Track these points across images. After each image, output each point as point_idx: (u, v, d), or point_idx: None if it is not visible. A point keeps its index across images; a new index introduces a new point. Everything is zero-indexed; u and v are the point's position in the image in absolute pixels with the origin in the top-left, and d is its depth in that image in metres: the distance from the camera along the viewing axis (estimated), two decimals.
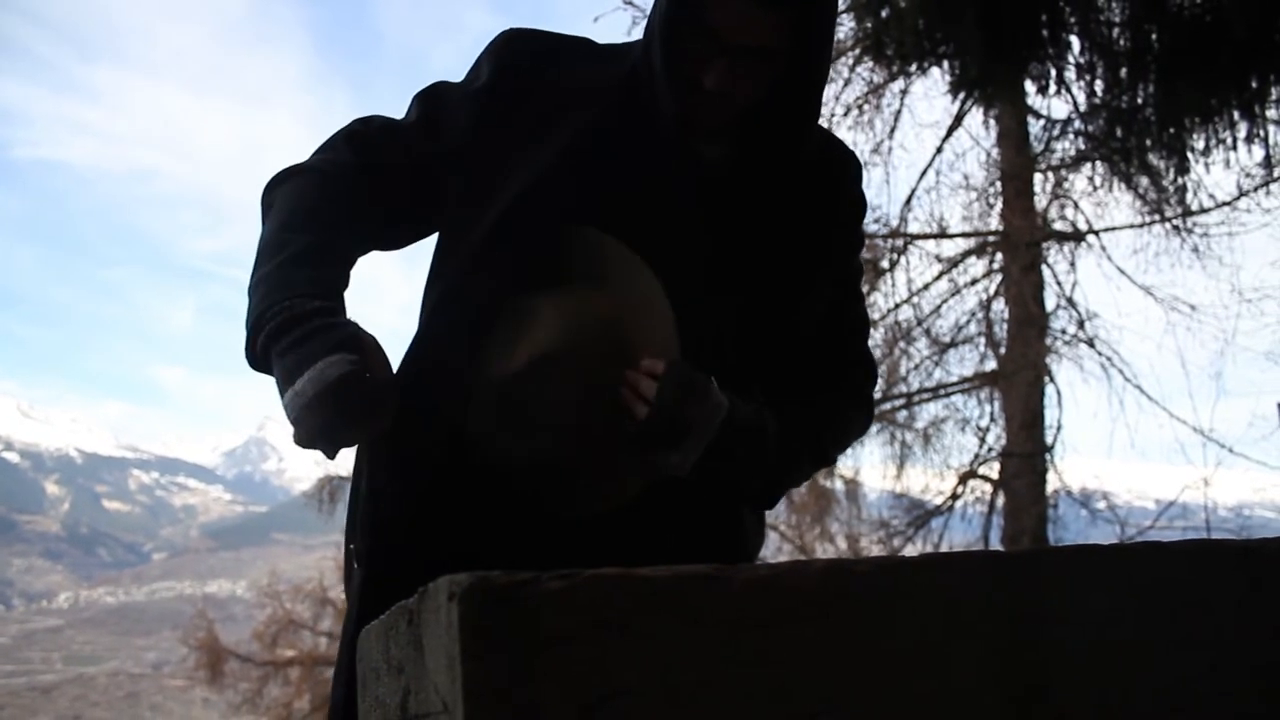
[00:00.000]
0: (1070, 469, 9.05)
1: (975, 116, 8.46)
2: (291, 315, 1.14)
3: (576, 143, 1.31)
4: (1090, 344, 9.02)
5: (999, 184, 8.96)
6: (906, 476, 9.35)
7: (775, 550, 10.40)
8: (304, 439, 1.12)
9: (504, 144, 1.32)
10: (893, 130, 8.58)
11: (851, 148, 1.55)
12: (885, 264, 8.73)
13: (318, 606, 15.68)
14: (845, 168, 1.48)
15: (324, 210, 1.27)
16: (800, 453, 1.38)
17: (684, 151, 1.32)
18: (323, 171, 1.32)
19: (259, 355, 1.16)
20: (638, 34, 1.40)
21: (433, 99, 1.38)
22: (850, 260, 1.50)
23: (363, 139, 1.35)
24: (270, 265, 1.20)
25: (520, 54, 1.36)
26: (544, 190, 1.29)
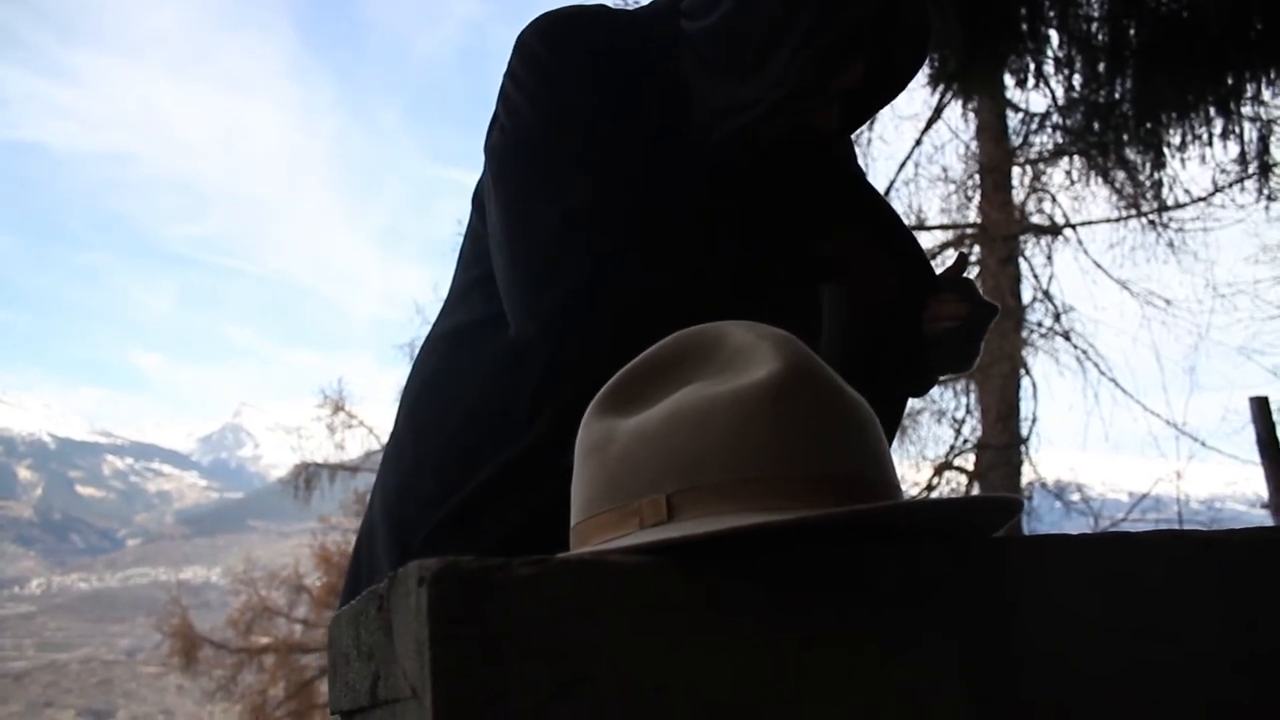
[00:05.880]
0: (1045, 461, 9.15)
1: (954, 109, 8.50)
2: None
3: (629, 157, 1.23)
4: (1066, 337, 9.10)
5: (977, 177, 9.01)
6: None
7: None
8: None
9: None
10: (872, 122, 8.59)
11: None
12: None
13: (293, 594, 15.64)
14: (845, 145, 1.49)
15: None
16: None
17: (724, 157, 1.26)
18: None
19: None
20: None
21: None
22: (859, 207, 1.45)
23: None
24: None
25: (577, 54, 1.24)
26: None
